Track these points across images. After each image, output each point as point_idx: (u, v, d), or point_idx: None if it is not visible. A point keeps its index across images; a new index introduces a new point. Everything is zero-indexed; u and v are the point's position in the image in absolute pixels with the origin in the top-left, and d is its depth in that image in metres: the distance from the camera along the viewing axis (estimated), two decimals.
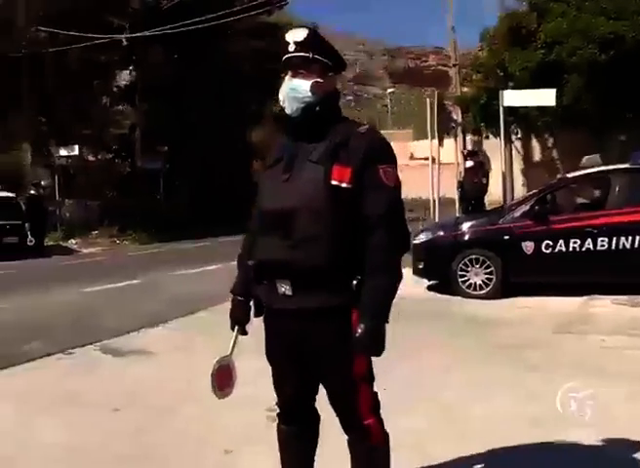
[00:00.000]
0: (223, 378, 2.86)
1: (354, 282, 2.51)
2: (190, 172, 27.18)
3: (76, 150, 22.18)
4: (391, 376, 5.20)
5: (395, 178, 2.58)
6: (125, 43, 25.73)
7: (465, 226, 9.53)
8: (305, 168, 2.57)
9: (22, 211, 18.34)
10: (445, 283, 9.39)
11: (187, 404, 4.62)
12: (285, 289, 2.57)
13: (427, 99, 12.99)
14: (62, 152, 22.27)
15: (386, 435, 2.73)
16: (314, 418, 2.88)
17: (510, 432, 3.99)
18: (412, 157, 62.16)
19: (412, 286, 9.84)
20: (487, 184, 12.36)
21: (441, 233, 9.64)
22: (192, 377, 4.85)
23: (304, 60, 2.59)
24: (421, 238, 9.71)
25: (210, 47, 26.67)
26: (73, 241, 21.61)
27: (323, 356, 2.63)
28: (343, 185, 2.51)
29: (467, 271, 9.06)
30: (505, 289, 8.94)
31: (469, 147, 17.61)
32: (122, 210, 23.35)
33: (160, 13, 24.55)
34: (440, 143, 12.58)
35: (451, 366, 5.62)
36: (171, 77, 26.90)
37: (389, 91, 70.38)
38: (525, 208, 9.02)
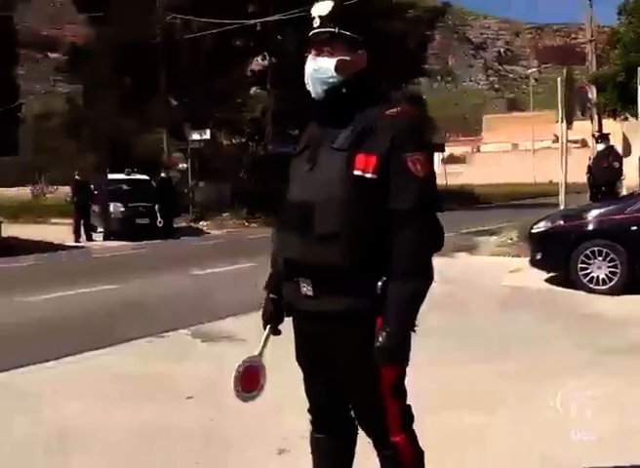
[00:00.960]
0: (250, 380, 2.67)
1: (379, 284, 2.24)
2: None
3: (208, 134, 22.78)
4: (491, 374, 4.86)
5: (426, 167, 2.27)
6: (259, 28, 26.08)
7: (589, 215, 8.83)
8: (328, 156, 2.32)
9: (154, 193, 19.07)
10: (565, 275, 8.75)
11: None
12: (307, 289, 2.35)
13: (558, 78, 12.16)
14: (195, 136, 22.96)
15: (419, 453, 2.45)
16: (349, 428, 2.62)
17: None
18: (557, 139, 59.71)
19: (529, 277, 9.33)
20: (619, 169, 11.35)
21: (561, 222, 8.98)
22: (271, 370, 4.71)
23: (330, 36, 2.33)
24: (540, 227, 9.12)
25: None
26: (204, 223, 22.26)
27: (346, 366, 2.39)
28: (368, 176, 2.25)
29: (589, 264, 8.36)
30: (633, 284, 8.20)
31: (605, 129, 16.36)
32: (252, 193, 23.77)
33: None
34: (568, 126, 11.76)
35: (562, 369, 5.07)
36: (303, 61, 27.00)
37: (530, 71, 67.58)
38: None
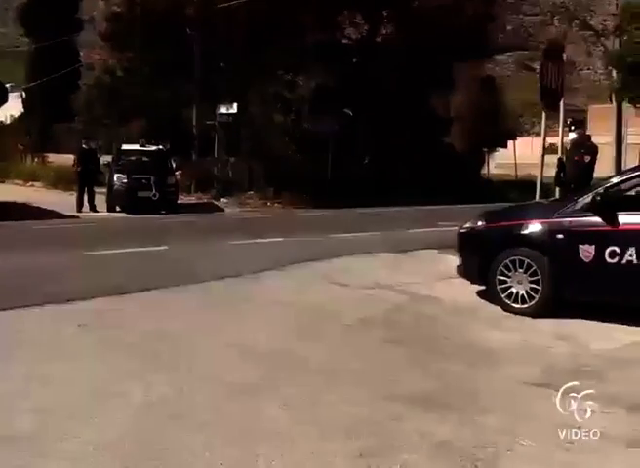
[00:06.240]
0: None
1: None
2: (365, 138, 25.85)
3: (235, 108, 21.78)
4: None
5: None
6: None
7: (514, 216, 7.23)
8: None
9: (151, 165, 18.25)
10: (487, 288, 7.21)
11: None
12: None
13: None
14: (222, 110, 22.01)
15: None
16: None
17: None
18: None
19: (459, 287, 7.80)
20: (591, 164, 9.18)
21: (481, 223, 7.38)
22: None
23: None
24: (466, 227, 7.57)
25: (398, 5, 25.03)
26: (224, 200, 21.33)
27: None
28: None
29: (509, 276, 6.82)
30: (559, 304, 6.60)
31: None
32: (283, 172, 22.66)
33: None
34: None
35: None
36: (355, 37, 25.62)
37: None
38: (587, 198, 6.51)
